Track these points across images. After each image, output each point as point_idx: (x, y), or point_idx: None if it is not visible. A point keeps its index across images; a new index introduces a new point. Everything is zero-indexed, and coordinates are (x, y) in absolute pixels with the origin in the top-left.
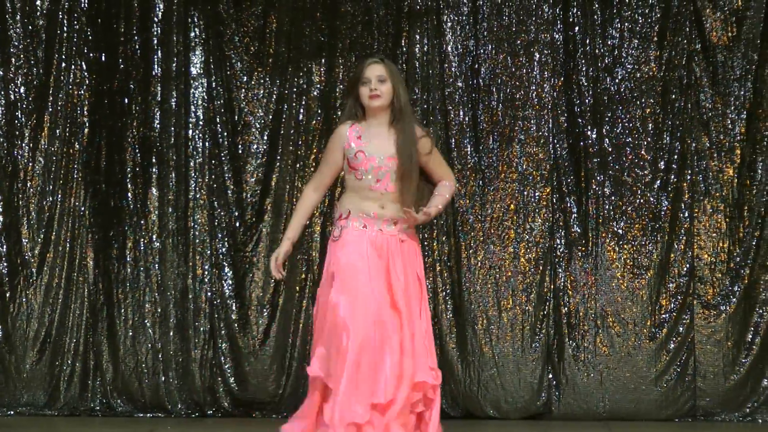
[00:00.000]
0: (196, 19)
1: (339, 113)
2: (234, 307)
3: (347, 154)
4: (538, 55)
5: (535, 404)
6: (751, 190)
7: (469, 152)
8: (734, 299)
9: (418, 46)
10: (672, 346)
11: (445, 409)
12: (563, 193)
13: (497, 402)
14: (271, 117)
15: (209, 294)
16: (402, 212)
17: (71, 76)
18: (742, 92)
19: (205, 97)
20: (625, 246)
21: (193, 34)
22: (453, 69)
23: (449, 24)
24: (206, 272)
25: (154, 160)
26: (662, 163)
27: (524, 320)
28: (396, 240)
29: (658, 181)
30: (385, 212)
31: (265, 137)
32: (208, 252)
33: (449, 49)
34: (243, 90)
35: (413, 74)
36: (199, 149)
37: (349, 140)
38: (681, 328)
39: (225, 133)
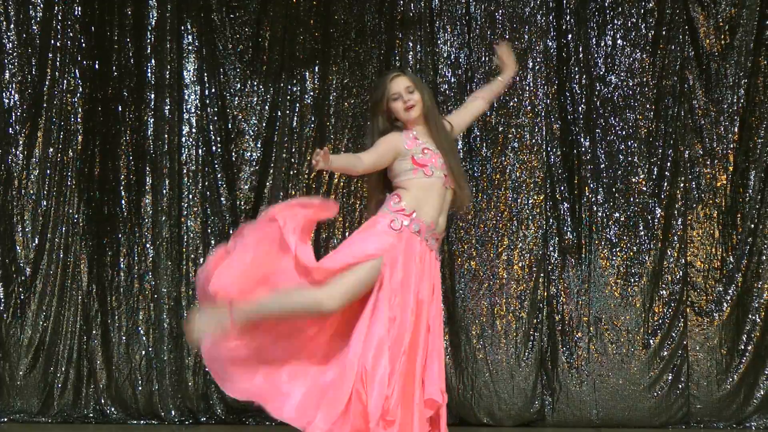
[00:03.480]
0: (189, 27)
1: (332, 120)
2: None
3: (411, 153)
4: (531, 63)
5: (529, 411)
6: (744, 198)
7: (462, 159)
8: (727, 306)
9: (411, 53)
10: (665, 353)
11: None
12: (556, 201)
13: (490, 409)
14: (264, 124)
15: None
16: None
17: (65, 83)
18: (735, 100)
19: (199, 104)
20: (618, 253)
21: (186, 42)
22: (446, 76)
23: (442, 31)
24: None
25: (147, 168)
26: (655, 170)
27: (518, 327)
28: (434, 257)
29: (652, 189)
30: (440, 222)
31: (259, 144)
32: (202, 259)
33: (442, 56)
34: (236, 97)
35: None
36: (193, 157)
37: (405, 141)
38: (674, 335)
39: (218, 141)
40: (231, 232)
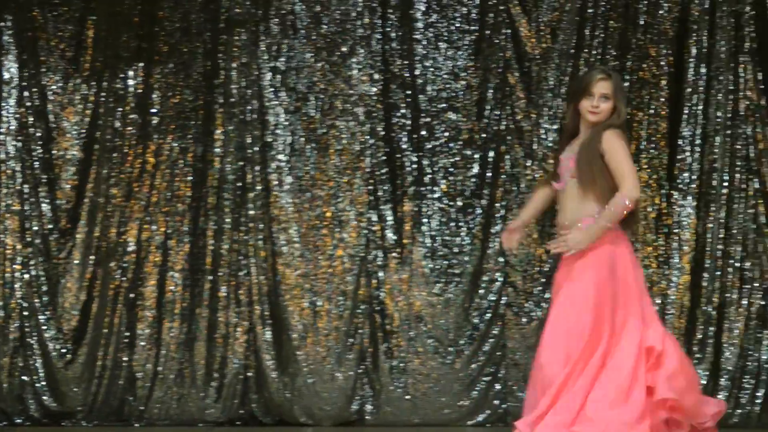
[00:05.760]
0: (9, 24)
1: (156, 119)
2: (46, 314)
3: None
4: (356, 64)
5: (348, 411)
6: None
7: (286, 159)
8: (545, 305)
9: (236, 52)
10: (485, 351)
11: (258, 416)
12: (379, 202)
13: (310, 409)
14: (86, 123)
15: (20, 300)
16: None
17: None
18: (556, 103)
19: (19, 102)
20: (439, 253)
21: (6, 39)
22: (271, 77)
23: (268, 32)
24: (17, 279)
25: None
26: (477, 171)
27: (339, 327)
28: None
29: (472, 189)
30: (561, 218)
31: (81, 144)
32: (20, 258)
33: (268, 56)
34: (58, 96)
35: (230, 81)
36: (12, 155)
37: None
38: (494, 334)
39: (39, 140)
40: (51, 232)
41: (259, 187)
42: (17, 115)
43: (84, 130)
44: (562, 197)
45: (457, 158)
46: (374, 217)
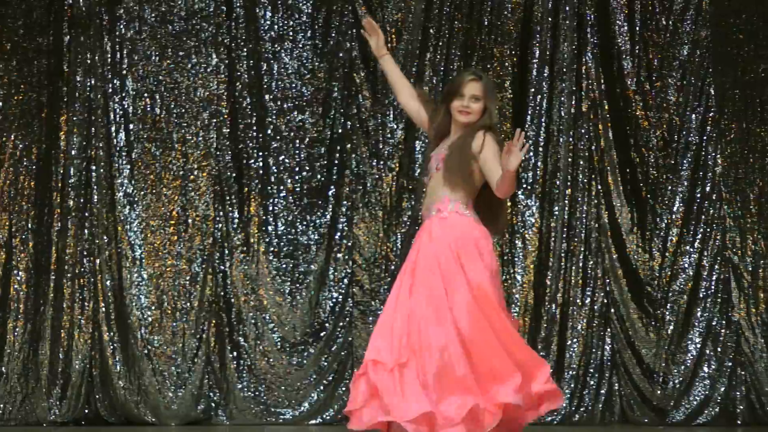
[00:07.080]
0: None
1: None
2: None
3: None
4: (202, 63)
5: (195, 410)
6: (409, 196)
7: (132, 158)
8: None
9: (80, 50)
10: (333, 349)
11: (103, 416)
12: (225, 200)
13: (156, 408)
14: None
15: None
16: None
17: None
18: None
19: None
20: (285, 251)
21: None
22: (116, 75)
23: (113, 29)
24: None
25: None
26: (321, 168)
27: (186, 327)
28: (426, 232)
29: (318, 188)
30: (426, 200)
31: None
32: None
33: (112, 54)
34: None
35: (74, 79)
36: None
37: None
38: (341, 332)
39: None
40: None
41: (104, 186)
42: None
43: None
44: (428, 188)
45: (302, 157)
46: (220, 216)
